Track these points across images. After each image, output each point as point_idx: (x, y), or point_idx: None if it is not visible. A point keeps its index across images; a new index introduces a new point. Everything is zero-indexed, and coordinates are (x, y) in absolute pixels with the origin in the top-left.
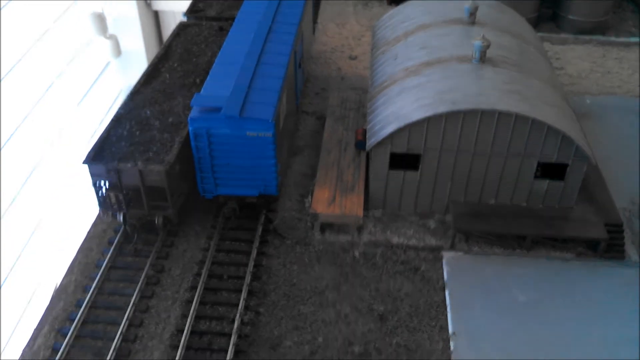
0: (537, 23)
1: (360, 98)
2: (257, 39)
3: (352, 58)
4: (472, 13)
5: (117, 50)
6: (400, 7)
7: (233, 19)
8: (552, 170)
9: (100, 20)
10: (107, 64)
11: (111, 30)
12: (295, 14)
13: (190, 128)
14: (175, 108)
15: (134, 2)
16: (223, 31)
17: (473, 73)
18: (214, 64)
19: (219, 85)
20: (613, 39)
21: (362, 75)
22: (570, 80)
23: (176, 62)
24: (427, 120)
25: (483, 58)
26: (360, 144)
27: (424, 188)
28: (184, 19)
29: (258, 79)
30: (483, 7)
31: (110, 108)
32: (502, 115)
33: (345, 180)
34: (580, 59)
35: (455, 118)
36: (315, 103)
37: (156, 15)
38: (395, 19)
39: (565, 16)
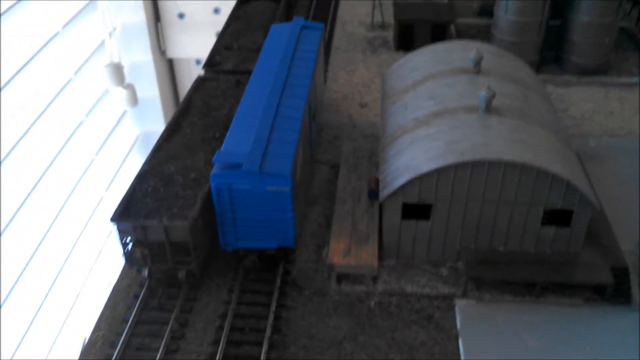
0: (540, 65)
1: (372, 146)
2: (273, 93)
3: (363, 105)
4: (477, 63)
5: (134, 100)
6: (409, 56)
7: (249, 72)
8: (558, 217)
9: (118, 71)
10: (124, 112)
11: (128, 79)
12: (309, 67)
13: (212, 184)
14: (197, 163)
15: (149, 50)
16: (240, 85)
17: (480, 123)
18: (233, 120)
19: (239, 141)
20: (615, 79)
21: (373, 122)
22: (574, 122)
23: (196, 117)
24: (437, 172)
25: (489, 108)
26: (373, 194)
27: (435, 236)
28: (199, 67)
29: (275, 134)
30: (487, 55)
31: (127, 155)
32: (508, 165)
33: (359, 231)
34: (583, 100)
35: (464, 169)
36: (329, 151)
37: (170, 63)
38: (404, 68)
39: (568, 58)
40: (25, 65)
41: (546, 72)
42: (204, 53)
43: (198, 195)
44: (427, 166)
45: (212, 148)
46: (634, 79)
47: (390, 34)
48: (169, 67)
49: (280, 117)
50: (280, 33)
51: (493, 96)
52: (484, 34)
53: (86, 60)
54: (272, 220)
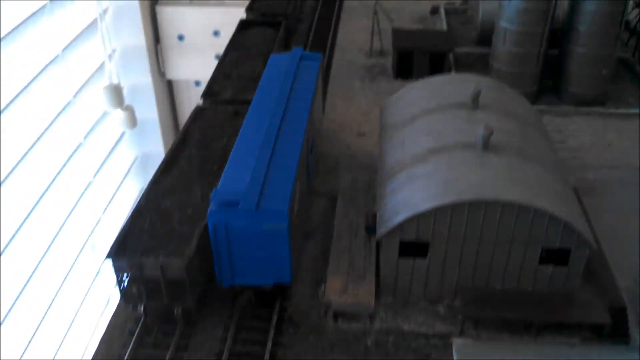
0: (538, 95)
1: (369, 178)
2: (271, 128)
3: (361, 135)
4: (475, 98)
5: (133, 122)
6: (407, 89)
7: (247, 102)
8: (555, 256)
9: (117, 93)
10: (122, 133)
11: (127, 101)
12: (307, 100)
13: (209, 222)
14: (194, 198)
15: (149, 72)
16: (238, 115)
17: (477, 161)
18: (231, 155)
19: (236, 177)
20: (613, 110)
21: (371, 152)
22: (572, 153)
23: (194, 149)
24: (435, 211)
25: (486, 146)
26: (370, 229)
27: (433, 274)
28: (198, 88)
29: (272, 170)
30: (485, 89)
31: (126, 175)
32: (505, 205)
33: (356, 267)
34: (582, 131)
35: (461, 208)
36: (327, 182)
37: (170, 84)
38: (402, 101)
39: (566, 88)
40: (24, 88)
41: (544, 102)
42: (203, 74)
43: (194, 231)
44: (424, 205)
45: (209, 182)
46: (632, 110)
47: (388, 62)
48: (168, 89)
49: (278, 153)
50: (279, 64)
51: (490, 134)
52: (482, 63)
53: (85, 83)
54: (269, 257)
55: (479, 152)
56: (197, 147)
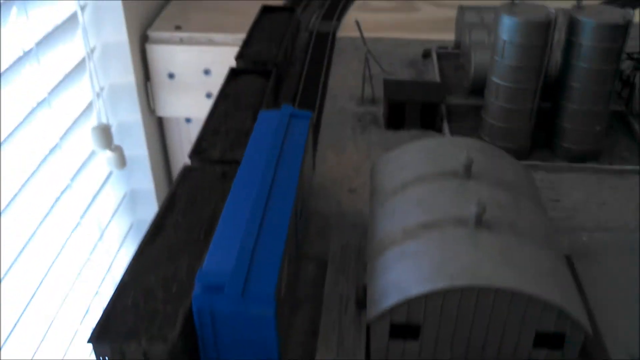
0: (531, 150)
1: (360, 243)
2: (260, 196)
3: (352, 191)
4: (468, 167)
5: (122, 162)
6: (398, 151)
7: (236, 161)
8: (550, 340)
9: (105, 133)
10: (110, 173)
11: (115, 138)
12: (296, 164)
13: (194, 307)
14: (179, 273)
15: (138, 109)
16: (226, 177)
17: (470, 240)
18: (217, 228)
19: (222, 256)
20: (607, 166)
21: (361, 211)
22: (566, 213)
23: (180, 215)
24: (426, 295)
25: (479, 222)
26: (360, 303)
27: (424, 357)
28: (189, 125)
29: (260, 247)
30: (478, 156)
31: (114, 214)
32: (499, 291)
33: (346, 347)
34: (575, 189)
35: (454, 293)
36: (316, 244)
37: (160, 121)
38: (393, 165)
39: (559, 143)
40: (10, 135)
41: (537, 157)
42: (194, 112)
43: (179, 311)
44: (416, 289)
45: (195, 252)
46: (628, 167)
47: (380, 110)
48: (158, 125)
49: (266, 226)
50: (268, 122)
51: (483, 211)
52: (474, 114)
53: (73, 124)
54: (255, 340)
55: (471, 230)
56: (184, 213)
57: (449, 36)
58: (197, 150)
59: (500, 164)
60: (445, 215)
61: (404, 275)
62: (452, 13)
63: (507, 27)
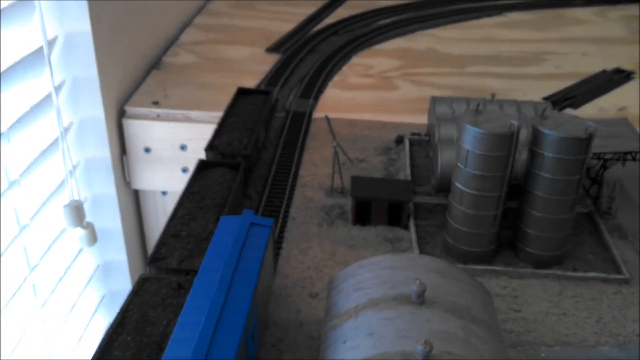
0: (495, 252)
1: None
2: (211, 314)
3: (313, 296)
4: (420, 294)
5: (93, 239)
6: (354, 267)
7: (193, 271)
8: None
9: (78, 211)
10: (80, 250)
11: (89, 212)
12: (252, 277)
13: None
14: None
15: (113, 183)
16: (181, 290)
17: None
18: (168, 345)
19: None
20: (570, 273)
21: (320, 319)
22: (526, 326)
23: (130, 334)
24: None
25: (427, 358)
26: None
27: None
28: (164, 197)
29: None
30: (433, 278)
31: (86, 286)
32: None
33: None
34: (537, 297)
35: None
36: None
37: (135, 193)
38: (348, 282)
39: (523, 248)
40: None
41: (501, 259)
42: (169, 186)
43: None
44: None
45: None
46: (590, 274)
47: (348, 202)
48: (134, 197)
49: (216, 342)
50: (229, 230)
51: (430, 350)
52: (442, 211)
53: (44, 203)
54: None
55: None
56: (134, 332)
57: (425, 118)
58: (155, 258)
59: (458, 287)
60: (393, 349)
61: None
62: (430, 92)
63: (469, 137)
